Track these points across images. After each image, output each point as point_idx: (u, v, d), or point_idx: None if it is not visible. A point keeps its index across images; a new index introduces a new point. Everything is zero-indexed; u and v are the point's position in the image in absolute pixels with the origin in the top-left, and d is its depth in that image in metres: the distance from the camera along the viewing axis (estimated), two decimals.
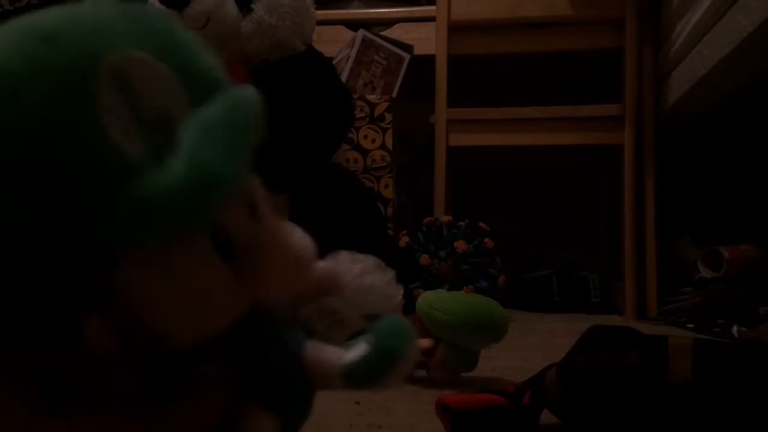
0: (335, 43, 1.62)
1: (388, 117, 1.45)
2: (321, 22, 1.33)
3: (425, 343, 0.65)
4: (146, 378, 0.24)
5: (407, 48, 1.58)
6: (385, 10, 1.70)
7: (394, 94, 1.52)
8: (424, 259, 1.32)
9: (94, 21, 0.23)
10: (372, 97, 1.47)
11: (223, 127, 0.22)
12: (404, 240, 1.37)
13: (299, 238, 0.27)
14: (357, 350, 0.29)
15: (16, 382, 0.23)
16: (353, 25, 1.64)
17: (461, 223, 1.37)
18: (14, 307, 0.22)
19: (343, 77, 1.49)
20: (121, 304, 0.22)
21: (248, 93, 0.23)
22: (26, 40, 0.21)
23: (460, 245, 1.32)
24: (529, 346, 0.93)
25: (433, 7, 1.63)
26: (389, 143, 1.44)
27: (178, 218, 0.21)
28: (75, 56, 0.21)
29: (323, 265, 0.33)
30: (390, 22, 1.67)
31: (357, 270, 1.06)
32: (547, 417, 0.47)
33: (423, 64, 1.58)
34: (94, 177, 0.21)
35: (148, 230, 0.21)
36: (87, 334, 0.22)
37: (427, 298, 0.66)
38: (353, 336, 0.31)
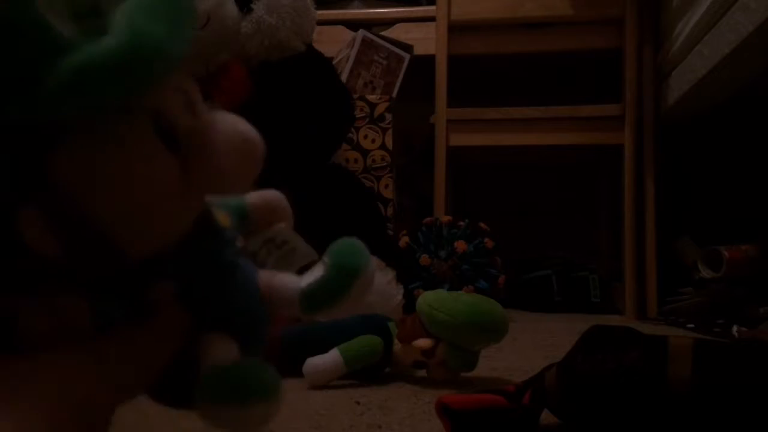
0: (335, 43, 1.62)
1: (388, 117, 1.45)
2: (321, 22, 1.33)
3: (425, 343, 0.65)
4: (94, 297, 0.23)
5: (407, 48, 1.58)
6: (385, 10, 1.70)
7: (394, 94, 1.52)
8: (424, 259, 1.32)
9: None
10: (372, 97, 1.47)
11: (162, 3, 0.21)
12: (404, 240, 1.37)
13: (243, 125, 0.25)
14: (313, 273, 0.28)
15: None
16: (353, 25, 1.64)
17: (461, 223, 1.37)
18: None
19: (343, 77, 1.49)
20: (61, 194, 0.20)
21: None
22: None
23: (460, 245, 1.32)
24: (529, 346, 0.93)
25: (433, 7, 1.63)
26: (389, 143, 1.44)
27: (117, 83, 0.19)
28: None
29: (257, 194, 0.32)
30: (390, 22, 1.67)
31: None
32: (547, 417, 0.47)
33: (423, 64, 1.59)
34: (23, 46, 0.19)
35: (85, 94, 0.19)
36: (23, 229, 0.20)
37: (427, 298, 0.66)
38: (304, 269, 0.30)
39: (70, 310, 0.22)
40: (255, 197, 0.32)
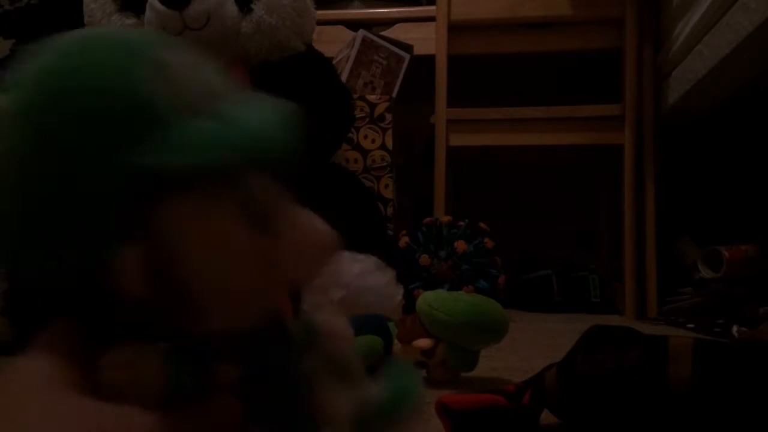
0: (335, 43, 1.62)
1: (388, 117, 1.45)
2: (321, 22, 1.33)
3: (425, 343, 0.65)
4: (170, 363, 0.23)
5: (407, 48, 1.58)
6: (385, 10, 1.70)
7: (394, 94, 1.52)
8: (424, 259, 1.32)
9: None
10: (372, 97, 1.47)
11: (266, 110, 0.24)
12: (404, 240, 1.37)
13: (321, 222, 0.26)
14: (367, 395, 0.28)
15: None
16: (353, 25, 1.64)
17: (461, 223, 1.37)
18: (54, 241, 0.22)
19: (343, 77, 1.49)
20: (158, 242, 0.22)
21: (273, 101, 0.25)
22: (93, 42, 0.24)
23: (460, 245, 1.32)
24: (529, 346, 0.93)
25: (433, 7, 1.63)
26: (389, 143, 1.44)
27: (227, 150, 0.21)
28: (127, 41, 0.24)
29: (325, 320, 0.32)
30: (390, 22, 1.67)
31: (357, 270, 1.06)
32: (547, 417, 0.47)
33: (423, 64, 1.58)
34: (138, 118, 0.22)
35: (186, 152, 0.21)
36: (121, 269, 0.21)
37: (427, 298, 0.66)
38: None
39: (148, 368, 0.23)
40: (325, 321, 0.32)
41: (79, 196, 0.22)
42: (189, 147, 0.21)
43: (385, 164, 1.44)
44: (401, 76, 1.55)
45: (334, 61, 1.55)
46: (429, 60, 1.61)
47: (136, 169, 0.21)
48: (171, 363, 0.23)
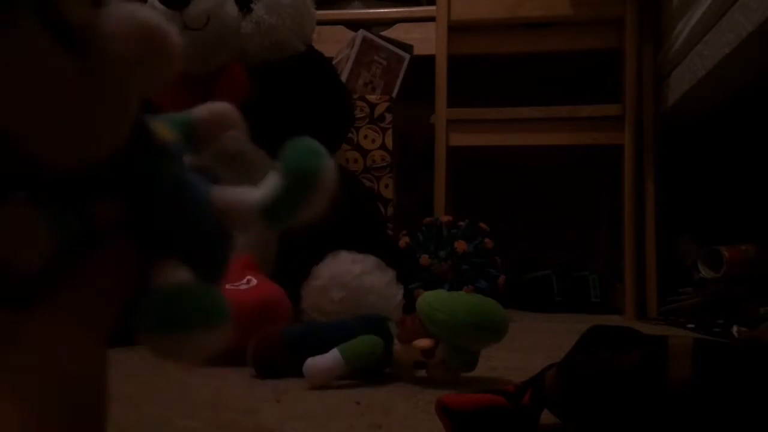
0: (335, 43, 1.62)
1: (388, 117, 1.45)
2: (321, 22, 1.33)
3: (425, 343, 0.65)
4: (42, 209, 0.21)
5: (407, 48, 1.58)
6: (385, 10, 1.70)
7: (394, 94, 1.52)
8: (424, 259, 1.32)
9: None
10: (372, 97, 1.47)
11: None
12: (404, 240, 1.37)
13: (145, 12, 0.21)
14: (269, 182, 0.26)
15: None
16: (353, 25, 1.64)
17: (461, 223, 1.37)
18: None
19: (343, 77, 1.49)
20: None
21: None
22: None
23: (460, 245, 1.32)
24: (529, 346, 0.93)
25: (433, 7, 1.63)
26: (389, 143, 1.44)
27: None
28: None
29: (203, 107, 0.29)
30: (390, 22, 1.67)
31: (357, 270, 1.06)
32: (547, 417, 0.47)
33: (423, 64, 1.59)
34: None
35: None
36: None
37: (427, 298, 0.66)
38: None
39: (17, 224, 0.20)
40: (201, 110, 0.29)
41: None
42: None
43: (385, 164, 1.44)
44: (401, 76, 1.55)
45: (334, 61, 1.55)
46: (429, 60, 1.61)
47: None
48: (39, 216, 0.20)
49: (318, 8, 1.22)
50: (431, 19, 1.63)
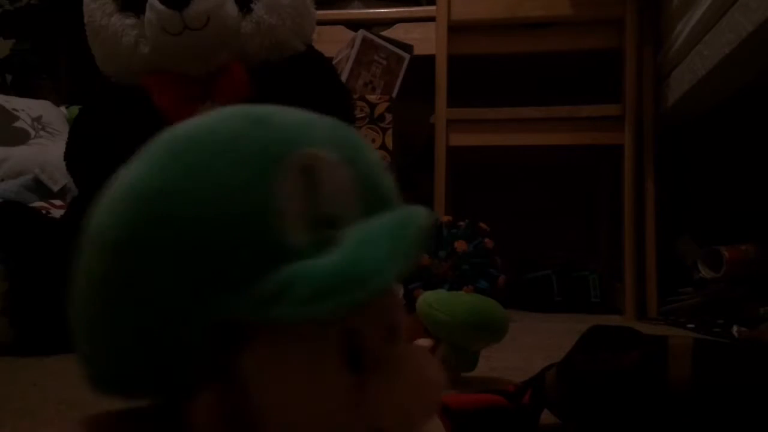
0: (335, 43, 1.62)
1: (388, 117, 1.45)
2: (321, 22, 1.33)
3: (425, 343, 0.65)
4: None
5: (407, 48, 1.58)
6: (385, 10, 1.70)
7: (394, 94, 1.52)
8: (424, 259, 1.32)
9: (300, 117, 0.25)
10: (372, 97, 1.47)
11: (387, 238, 0.21)
12: None
13: (434, 369, 0.25)
14: None
15: None
16: (353, 25, 1.64)
17: (461, 223, 1.37)
18: (141, 360, 0.22)
19: (343, 77, 1.49)
20: (237, 387, 0.21)
21: (419, 212, 0.23)
22: (237, 119, 0.24)
23: (460, 245, 1.32)
24: (529, 346, 0.93)
25: (433, 7, 1.63)
26: (389, 143, 1.44)
27: (327, 300, 0.20)
28: (275, 137, 0.23)
29: None
30: (390, 22, 1.67)
31: None
32: (547, 417, 0.47)
33: (423, 64, 1.59)
34: (253, 249, 0.21)
35: (294, 305, 0.20)
36: (199, 412, 0.21)
37: (427, 298, 0.66)
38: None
39: None
40: None
41: (165, 336, 0.22)
42: (290, 299, 0.20)
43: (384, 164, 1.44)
44: (401, 76, 1.55)
45: (334, 61, 1.55)
46: (429, 60, 1.61)
47: (228, 318, 0.21)
48: None
49: (318, 8, 1.22)
50: (431, 19, 1.63)
